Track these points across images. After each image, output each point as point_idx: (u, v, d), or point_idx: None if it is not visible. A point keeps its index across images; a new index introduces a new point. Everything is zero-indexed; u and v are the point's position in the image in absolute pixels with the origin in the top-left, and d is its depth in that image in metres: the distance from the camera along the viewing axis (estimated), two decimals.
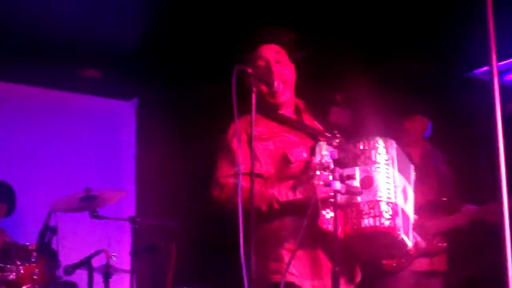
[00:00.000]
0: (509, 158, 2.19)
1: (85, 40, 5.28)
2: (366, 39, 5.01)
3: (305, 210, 2.55)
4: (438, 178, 4.41)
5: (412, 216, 2.70)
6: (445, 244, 4.25)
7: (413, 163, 4.29)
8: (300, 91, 3.07)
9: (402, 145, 4.28)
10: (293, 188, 2.65)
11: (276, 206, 2.65)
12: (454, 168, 4.53)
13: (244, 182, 2.59)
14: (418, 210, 4.11)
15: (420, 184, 4.23)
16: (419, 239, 2.71)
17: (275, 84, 2.81)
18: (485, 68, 2.24)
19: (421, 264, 4.21)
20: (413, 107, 4.52)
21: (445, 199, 4.29)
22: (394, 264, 4.14)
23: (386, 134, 2.71)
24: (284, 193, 2.66)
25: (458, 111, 4.68)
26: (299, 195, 2.63)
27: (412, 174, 2.76)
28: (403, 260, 4.11)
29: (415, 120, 4.47)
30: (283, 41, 2.99)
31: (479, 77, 4.65)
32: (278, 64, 2.92)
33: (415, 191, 4.16)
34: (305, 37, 3.02)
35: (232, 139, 2.80)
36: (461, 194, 4.40)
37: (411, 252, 2.66)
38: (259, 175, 2.70)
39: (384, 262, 4.11)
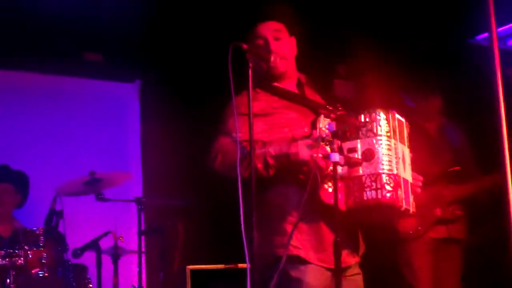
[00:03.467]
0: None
1: (86, 24, 5.25)
2: (369, 11, 4.96)
3: (300, 168, 2.59)
4: (453, 149, 4.46)
5: (410, 179, 2.68)
6: (461, 212, 4.28)
7: (428, 137, 4.39)
8: (303, 64, 3.07)
9: (417, 120, 4.38)
10: (289, 144, 2.65)
11: (270, 160, 2.64)
12: (468, 138, 4.54)
13: (235, 145, 2.60)
14: (433, 179, 4.20)
15: (436, 156, 4.33)
16: (418, 190, 2.68)
17: (272, 59, 2.80)
18: (484, 35, 2.21)
19: (438, 231, 4.27)
20: (428, 86, 4.53)
21: (459, 168, 4.31)
22: (411, 232, 4.18)
23: (399, 110, 2.69)
24: (277, 147, 2.66)
25: (464, 78, 4.65)
26: (293, 150, 2.62)
27: (407, 138, 2.72)
28: (419, 228, 4.17)
29: (430, 99, 4.49)
30: (282, 16, 2.98)
31: (482, 43, 4.60)
32: (277, 41, 2.93)
33: (431, 163, 4.25)
34: (306, 11, 3.00)
35: (229, 115, 2.81)
36: (476, 163, 4.41)
37: (413, 214, 2.65)
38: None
39: (401, 230, 4.17)
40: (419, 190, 2.72)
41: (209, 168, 2.79)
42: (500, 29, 4.13)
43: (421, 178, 2.78)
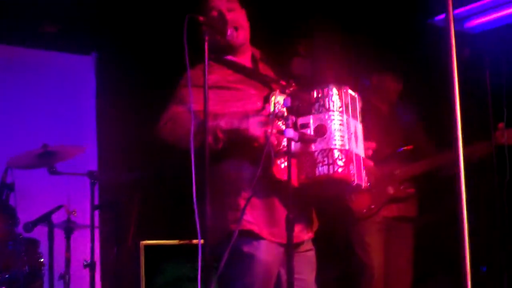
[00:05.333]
0: (466, 104, 2.18)
1: None
2: None
3: (251, 144, 2.58)
4: (405, 128, 4.50)
5: (363, 154, 2.69)
6: (412, 190, 4.34)
7: (381, 116, 4.44)
8: (259, 40, 3.05)
9: (371, 99, 4.42)
10: (241, 120, 2.64)
11: (220, 134, 2.62)
12: (420, 117, 4.60)
13: (187, 115, 2.59)
14: (385, 159, 4.25)
15: (388, 135, 4.37)
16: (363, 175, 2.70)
17: (228, 32, 2.77)
18: (442, 16, 2.22)
19: (391, 210, 4.33)
20: (382, 64, 4.56)
21: (411, 146, 4.37)
22: (364, 211, 4.24)
23: (353, 87, 2.69)
24: (229, 121, 2.64)
25: (422, 59, 4.69)
26: (244, 125, 2.61)
27: (360, 113, 2.73)
28: (372, 206, 4.22)
29: (385, 79, 4.52)
30: None
31: (440, 24, 4.63)
32: (231, 12, 2.90)
33: (384, 142, 4.30)
34: None
35: (183, 85, 2.79)
36: (429, 142, 4.47)
37: (366, 189, 2.66)
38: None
39: (354, 209, 4.21)
40: (370, 153, 2.72)
41: (157, 136, 2.76)
42: (457, 10, 4.17)
43: (373, 145, 2.79)
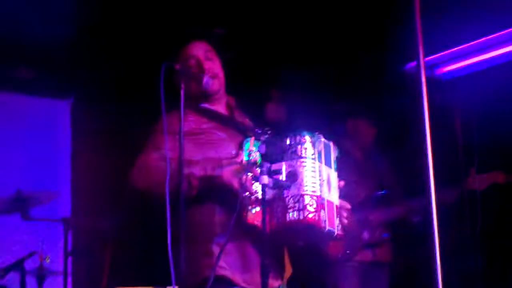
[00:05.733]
0: (437, 151, 2.21)
1: (15, 40, 5.14)
2: (298, 37, 5.03)
3: (225, 192, 2.60)
4: (378, 173, 4.54)
5: (336, 202, 2.70)
6: (387, 235, 4.36)
7: (355, 162, 4.47)
8: (233, 88, 3.08)
9: (346, 144, 4.47)
10: (214, 167, 2.66)
11: (194, 182, 2.64)
12: (393, 164, 4.64)
13: (161, 163, 2.62)
14: (360, 204, 4.27)
15: (362, 180, 4.41)
16: (345, 221, 2.71)
17: (204, 80, 2.81)
18: (413, 63, 2.27)
19: (365, 255, 4.36)
20: (356, 110, 4.62)
21: (384, 192, 4.40)
22: (339, 256, 4.22)
23: (328, 133, 2.73)
24: (202, 169, 2.67)
25: (394, 105, 4.75)
26: (218, 172, 2.63)
27: (335, 161, 2.76)
28: (348, 252, 4.22)
29: (359, 124, 4.57)
30: (211, 38, 3.01)
31: (411, 71, 4.70)
32: (208, 61, 2.95)
33: (358, 187, 4.33)
34: (234, 35, 3.04)
35: (157, 132, 2.80)
36: (401, 187, 4.50)
37: (339, 237, 2.67)
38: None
39: (329, 254, 4.21)
40: (345, 217, 2.74)
41: (130, 183, 2.77)
42: (428, 58, 4.26)
43: (348, 206, 2.81)
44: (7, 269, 4.28)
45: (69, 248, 4.46)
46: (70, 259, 4.50)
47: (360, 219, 4.29)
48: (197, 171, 2.65)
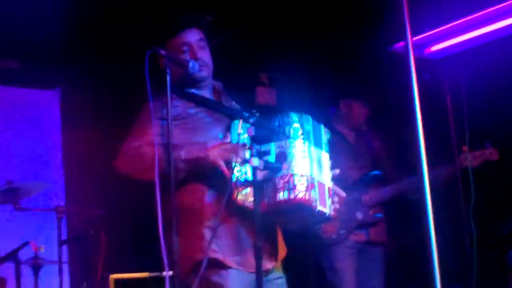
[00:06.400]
0: (429, 130, 2.22)
1: (2, 30, 5.11)
2: (287, 20, 5.01)
3: (212, 172, 2.60)
4: (371, 154, 4.56)
5: (329, 184, 2.71)
6: (381, 215, 4.38)
7: (347, 143, 4.48)
8: (222, 73, 3.08)
9: (338, 126, 4.47)
10: (200, 148, 2.67)
11: (180, 164, 2.65)
12: (385, 143, 4.65)
13: (147, 148, 2.64)
14: (353, 184, 4.30)
15: (355, 161, 4.42)
16: (337, 206, 2.72)
17: (190, 65, 2.80)
18: (402, 43, 2.26)
19: (360, 235, 4.38)
20: (347, 91, 4.62)
21: (378, 172, 4.42)
22: (334, 236, 4.27)
23: (321, 116, 2.73)
24: (189, 151, 2.67)
25: (384, 85, 4.76)
26: (203, 154, 2.64)
27: (326, 143, 2.77)
28: (341, 232, 4.24)
29: (351, 105, 4.57)
30: (202, 25, 3.00)
31: (400, 51, 4.70)
32: (201, 49, 2.96)
33: (351, 168, 4.35)
34: (223, 20, 3.03)
35: (144, 118, 2.80)
36: (394, 166, 4.52)
37: (333, 218, 2.69)
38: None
39: (323, 234, 4.23)
40: (337, 202, 2.75)
41: (117, 170, 2.78)
42: (417, 37, 4.25)
43: (343, 194, 2.82)
44: (2, 260, 4.28)
45: (63, 237, 4.46)
46: (65, 247, 4.50)
47: (353, 200, 4.30)
48: (183, 153, 2.66)
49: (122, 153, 2.79)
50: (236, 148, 2.58)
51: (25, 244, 4.43)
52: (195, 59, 2.88)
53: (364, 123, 4.64)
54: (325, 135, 2.76)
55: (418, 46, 4.35)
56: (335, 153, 2.81)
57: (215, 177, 2.65)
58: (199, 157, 2.65)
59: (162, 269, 4.39)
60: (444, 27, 4.27)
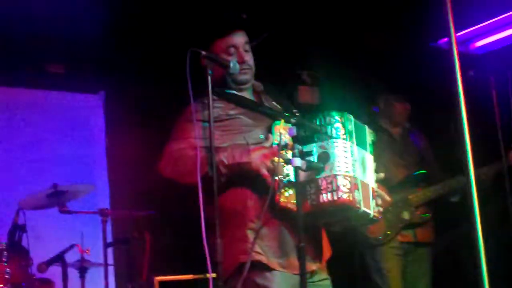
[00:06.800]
0: (474, 127, 2.17)
1: (47, 36, 5.19)
2: (328, 17, 4.98)
3: (254, 176, 2.59)
4: (417, 153, 4.51)
5: (372, 185, 2.67)
6: (428, 215, 4.32)
7: (393, 141, 4.44)
8: (263, 72, 3.07)
9: (382, 124, 4.42)
10: (242, 153, 2.66)
11: (223, 170, 2.64)
12: (430, 141, 4.59)
13: (189, 151, 2.65)
14: (399, 184, 4.24)
15: (400, 159, 4.37)
16: (381, 209, 2.69)
17: (231, 65, 2.79)
18: (445, 39, 2.22)
19: (406, 236, 4.33)
20: (388, 88, 4.58)
21: (424, 171, 4.36)
22: (381, 237, 4.21)
23: (362, 114, 2.70)
24: (230, 156, 2.66)
25: (428, 82, 4.70)
26: (246, 159, 2.63)
27: (370, 144, 2.73)
28: (388, 232, 4.20)
29: (392, 102, 4.53)
30: (241, 23, 2.99)
31: (444, 46, 4.63)
32: (247, 52, 2.96)
33: (397, 166, 4.30)
34: (263, 18, 3.02)
35: (185, 121, 2.80)
36: (440, 165, 4.46)
37: (377, 220, 2.65)
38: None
39: (371, 235, 4.19)
40: (381, 209, 2.71)
41: (160, 174, 2.79)
42: (460, 33, 4.19)
43: (388, 199, 2.78)
44: (49, 263, 4.34)
45: (109, 239, 4.51)
46: (110, 250, 4.55)
47: (400, 200, 4.25)
48: (226, 158, 2.65)
49: (165, 156, 2.80)
50: (278, 150, 2.56)
51: (72, 246, 4.49)
52: (242, 62, 2.88)
53: (407, 119, 4.58)
54: (369, 136, 2.73)
55: (462, 42, 4.29)
56: (380, 150, 2.77)
57: (257, 180, 2.63)
58: (241, 162, 2.65)
59: (206, 271, 4.43)
60: (489, 21, 4.20)
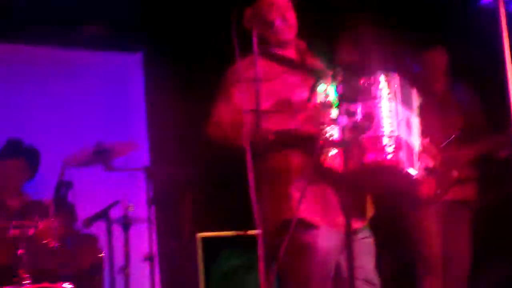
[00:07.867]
0: None
1: None
2: None
3: (302, 142, 2.61)
4: (462, 109, 4.41)
5: (417, 146, 2.67)
6: (475, 172, 4.27)
7: (437, 97, 4.36)
8: (305, 31, 3.06)
9: (424, 81, 4.35)
10: (288, 118, 2.67)
11: (271, 137, 2.66)
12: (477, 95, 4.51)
13: (236, 115, 2.68)
14: (446, 141, 4.17)
15: (445, 118, 4.30)
16: (427, 169, 2.68)
17: (276, 23, 2.79)
18: None
19: (455, 193, 4.23)
20: (431, 38, 4.49)
21: (470, 128, 4.29)
22: (433, 196, 4.15)
23: (403, 70, 2.68)
24: (277, 122, 2.68)
25: (472, 40, 4.61)
26: (293, 125, 2.65)
27: (416, 107, 2.72)
28: (439, 191, 4.14)
29: (434, 54, 4.44)
30: None
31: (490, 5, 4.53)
32: (289, 10, 2.94)
33: (442, 124, 4.23)
34: None
35: (230, 83, 2.82)
36: (486, 121, 4.39)
37: (421, 181, 2.65)
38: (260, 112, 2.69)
39: (421, 194, 4.14)
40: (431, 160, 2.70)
41: (208, 135, 2.83)
42: None
43: (430, 165, 2.77)
44: (94, 218, 4.44)
45: (151, 196, 4.58)
46: (153, 207, 4.62)
47: (447, 157, 4.17)
48: (273, 125, 2.67)
49: (212, 121, 2.83)
50: (323, 109, 2.56)
51: (115, 203, 4.56)
52: (284, 20, 2.87)
53: (447, 73, 4.48)
54: (414, 97, 2.71)
55: (509, 1, 4.18)
56: (425, 109, 2.76)
57: (303, 140, 2.65)
58: (289, 129, 2.66)
59: (248, 228, 4.49)
60: None
